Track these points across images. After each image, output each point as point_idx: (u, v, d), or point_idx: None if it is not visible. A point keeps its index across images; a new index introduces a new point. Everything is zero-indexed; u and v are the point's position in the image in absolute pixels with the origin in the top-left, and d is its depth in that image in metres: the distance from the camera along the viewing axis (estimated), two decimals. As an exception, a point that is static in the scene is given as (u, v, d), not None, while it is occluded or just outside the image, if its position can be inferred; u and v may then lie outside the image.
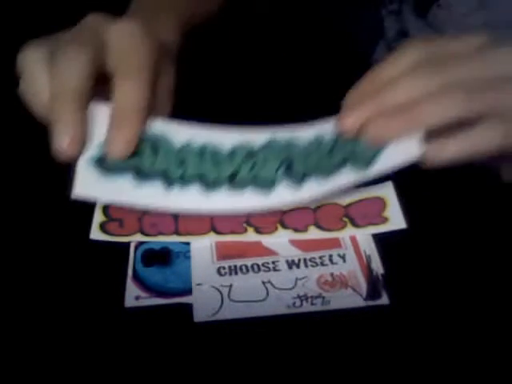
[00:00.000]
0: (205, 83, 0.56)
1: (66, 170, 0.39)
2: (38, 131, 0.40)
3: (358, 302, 0.38)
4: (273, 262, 0.41)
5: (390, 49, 0.62)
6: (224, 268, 0.41)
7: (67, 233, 0.43)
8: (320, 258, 0.41)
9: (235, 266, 0.41)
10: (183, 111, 0.42)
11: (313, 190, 0.41)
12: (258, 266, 0.41)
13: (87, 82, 0.38)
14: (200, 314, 0.38)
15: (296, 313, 0.38)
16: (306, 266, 0.41)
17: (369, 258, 0.41)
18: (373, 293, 0.39)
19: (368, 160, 0.40)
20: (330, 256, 0.41)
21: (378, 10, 0.64)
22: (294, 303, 0.38)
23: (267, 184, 0.41)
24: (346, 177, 0.41)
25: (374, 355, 0.36)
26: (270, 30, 0.65)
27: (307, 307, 0.38)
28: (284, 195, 0.41)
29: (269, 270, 0.40)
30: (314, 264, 0.41)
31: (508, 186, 0.43)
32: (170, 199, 0.41)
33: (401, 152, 0.39)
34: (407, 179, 0.45)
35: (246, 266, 0.41)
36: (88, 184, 0.40)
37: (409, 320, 0.37)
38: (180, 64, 0.45)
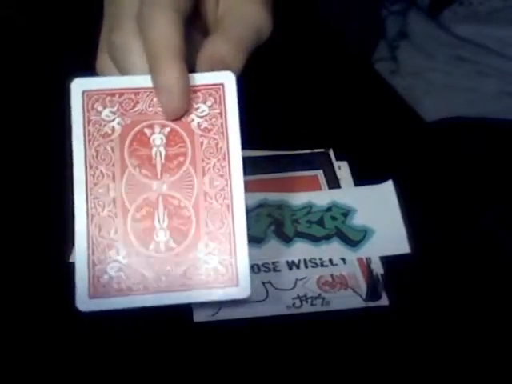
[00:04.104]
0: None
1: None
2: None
3: (358, 302, 0.38)
4: (273, 263, 0.41)
5: (390, 49, 0.62)
6: (224, 268, 0.41)
7: (68, 232, 0.43)
8: (320, 259, 0.41)
9: (235, 267, 0.41)
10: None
11: (301, 253, 0.42)
12: (258, 266, 0.41)
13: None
14: (200, 314, 0.38)
15: (296, 313, 0.38)
16: (306, 266, 0.41)
17: (369, 259, 0.41)
18: (372, 294, 0.39)
19: (356, 241, 0.42)
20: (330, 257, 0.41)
21: (378, 10, 0.64)
22: (294, 304, 0.38)
23: (257, 240, 0.42)
24: (333, 251, 0.42)
25: (374, 356, 0.36)
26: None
27: (307, 308, 0.38)
28: (274, 250, 0.42)
29: (269, 270, 0.40)
30: (314, 265, 0.41)
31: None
32: None
33: (390, 244, 0.42)
34: (407, 179, 0.45)
35: (246, 267, 0.41)
36: None
37: (408, 321, 0.38)
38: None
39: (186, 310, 0.38)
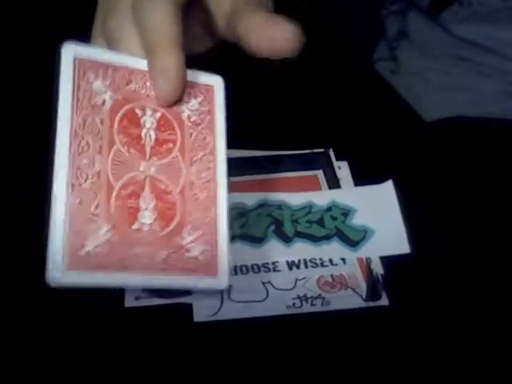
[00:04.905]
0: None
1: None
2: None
3: (358, 302, 0.38)
4: (273, 263, 0.41)
5: (390, 49, 0.62)
6: (224, 268, 0.41)
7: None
8: (320, 259, 0.41)
9: (235, 266, 0.41)
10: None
11: (301, 253, 0.42)
12: (257, 266, 0.41)
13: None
14: (200, 314, 0.38)
15: (296, 313, 0.38)
16: (306, 266, 0.41)
17: (369, 259, 0.41)
18: (372, 294, 0.39)
19: (356, 241, 0.42)
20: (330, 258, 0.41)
21: (378, 10, 0.64)
22: (294, 304, 0.38)
23: (257, 240, 0.42)
24: (333, 251, 0.42)
25: (374, 356, 0.36)
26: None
27: (307, 308, 0.38)
28: (274, 250, 0.42)
29: (269, 270, 0.40)
30: (314, 265, 0.41)
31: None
32: None
33: (390, 244, 0.42)
34: (407, 179, 0.45)
35: (246, 267, 0.41)
36: None
37: (408, 321, 0.38)
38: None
39: (186, 309, 0.38)
